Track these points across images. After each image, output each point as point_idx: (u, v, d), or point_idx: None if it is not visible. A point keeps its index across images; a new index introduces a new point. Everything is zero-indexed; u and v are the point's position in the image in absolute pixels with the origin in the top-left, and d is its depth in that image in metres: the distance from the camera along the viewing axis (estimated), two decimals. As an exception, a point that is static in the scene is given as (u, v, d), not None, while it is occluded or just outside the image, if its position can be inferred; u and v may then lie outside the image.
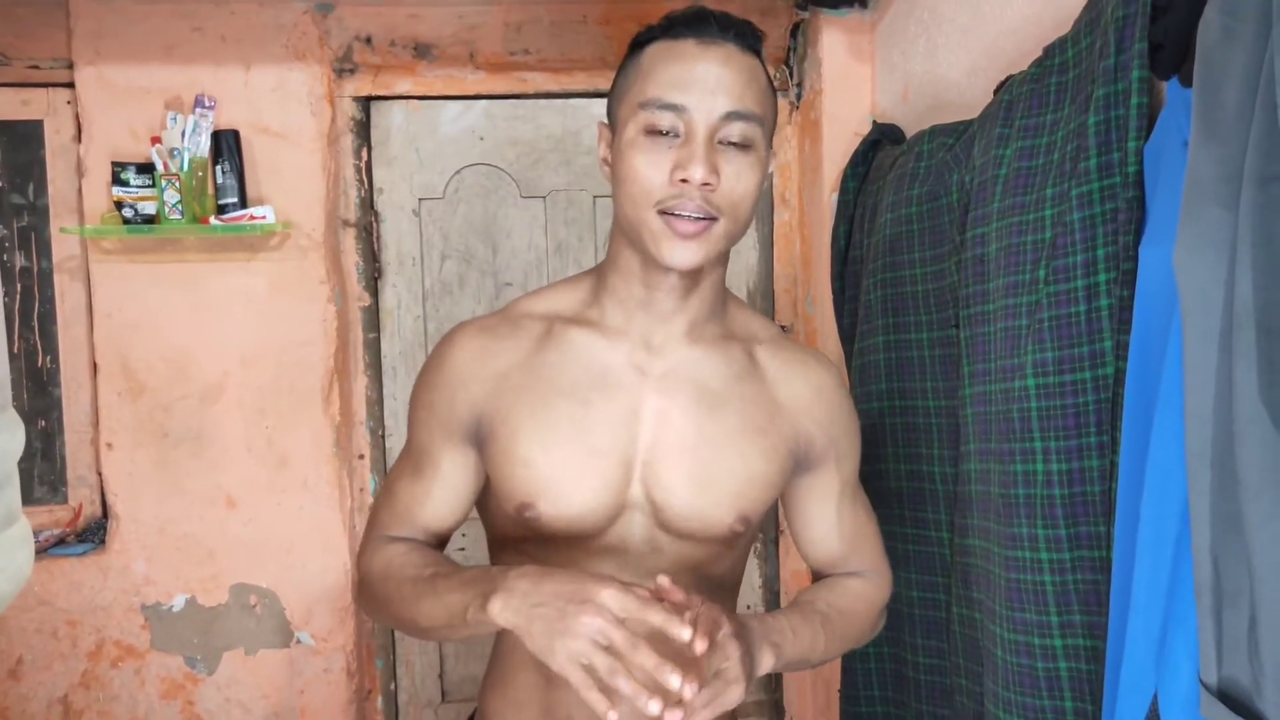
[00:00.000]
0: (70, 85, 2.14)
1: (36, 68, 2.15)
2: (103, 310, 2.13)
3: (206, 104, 2.08)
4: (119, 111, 2.10)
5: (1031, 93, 1.21)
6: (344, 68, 2.20)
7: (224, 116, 2.11)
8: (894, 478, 1.56)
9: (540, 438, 1.01)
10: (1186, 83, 0.91)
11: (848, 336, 1.82)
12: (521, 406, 1.02)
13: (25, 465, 2.02)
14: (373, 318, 2.30)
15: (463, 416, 1.04)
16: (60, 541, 2.14)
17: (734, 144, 0.95)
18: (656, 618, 0.83)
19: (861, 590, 1.13)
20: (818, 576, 1.17)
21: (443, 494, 1.07)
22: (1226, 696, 0.71)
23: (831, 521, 1.12)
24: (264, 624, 2.19)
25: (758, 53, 1.00)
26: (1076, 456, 1.07)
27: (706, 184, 0.93)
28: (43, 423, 2.20)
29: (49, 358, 2.20)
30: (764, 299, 2.39)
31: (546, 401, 1.02)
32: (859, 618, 1.11)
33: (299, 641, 2.20)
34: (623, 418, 1.02)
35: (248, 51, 2.12)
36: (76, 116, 2.13)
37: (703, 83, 0.94)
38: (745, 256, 2.38)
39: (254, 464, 2.16)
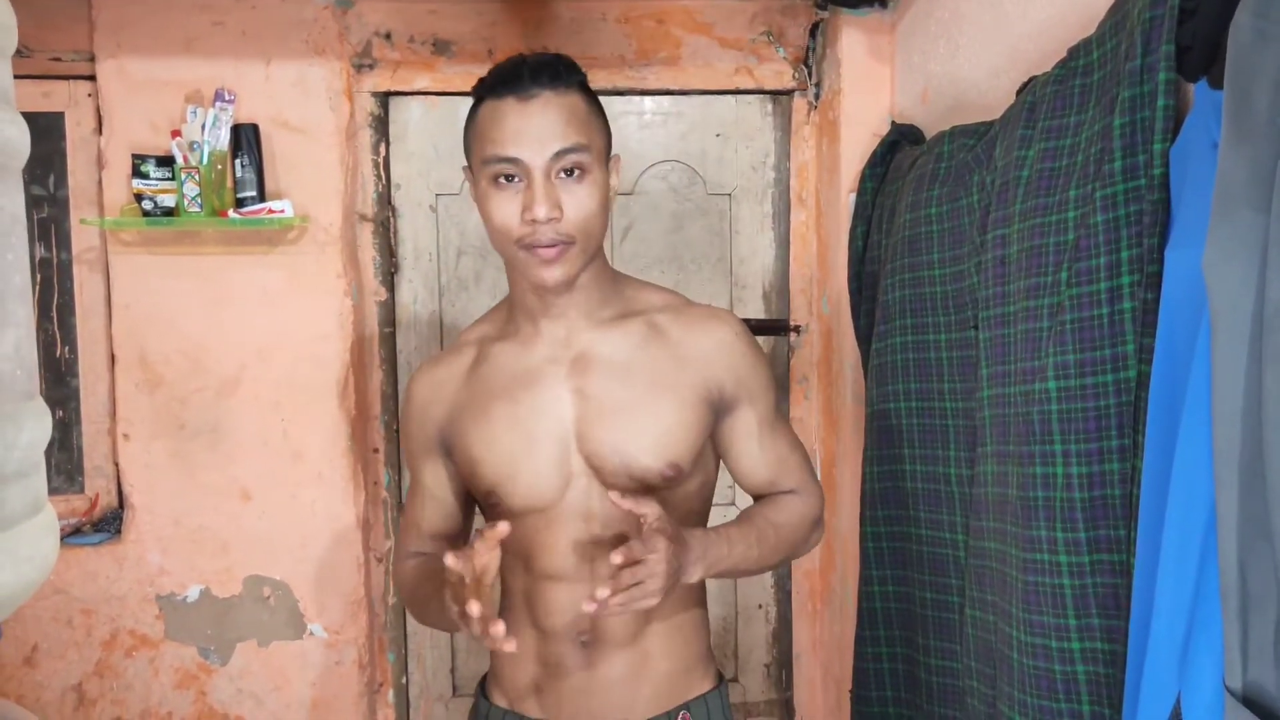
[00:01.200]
0: (91, 78, 2.15)
1: (58, 60, 2.16)
2: (121, 302, 2.14)
3: (226, 98, 2.09)
4: (140, 104, 2.11)
5: (1055, 94, 1.21)
6: (363, 63, 2.21)
7: (244, 110, 2.11)
8: (910, 478, 1.55)
9: (485, 437, 1.22)
10: (1216, 85, 0.91)
11: (864, 337, 1.82)
12: (468, 417, 1.24)
13: (43, 454, 2.03)
14: (389, 312, 2.31)
15: (432, 436, 1.28)
16: (76, 531, 2.16)
17: (570, 175, 1.13)
18: (458, 565, 1.05)
19: (793, 505, 1.29)
20: (756, 499, 1.33)
21: (434, 505, 1.31)
22: (1251, 702, 0.70)
23: (756, 453, 1.28)
24: (277, 616, 2.20)
25: (578, 84, 1.17)
26: (1097, 460, 1.07)
27: (552, 218, 1.11)
28: (60, 413, 2.22)
29: (67, 348, 2.22)
30: (780, 298, 2.38)
31: (485, 407, 1.23)
32: (792, 529, 1.28)
33: (311, 634, 2.21)
34: (549, 404, 1.21)
35: (268, 46, 2.13)
36: (97, 109, 2.14)
37: (529, 133, 1.12)
38: (762, 256, 2.38)
39: (269, 457, 2.17)
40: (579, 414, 1.20)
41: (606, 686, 1.23)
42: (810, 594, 2.38)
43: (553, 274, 1.14)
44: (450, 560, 1.04)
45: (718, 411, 1.25)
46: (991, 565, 1.28)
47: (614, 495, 1.08)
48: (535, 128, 1.12)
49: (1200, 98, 0.96)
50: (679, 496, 1.24)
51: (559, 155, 1.12)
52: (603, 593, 1.03)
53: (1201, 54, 0.95)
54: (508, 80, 1.14)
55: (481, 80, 1.18)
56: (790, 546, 1.29)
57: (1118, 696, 1.05)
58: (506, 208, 1.13)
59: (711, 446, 1.29)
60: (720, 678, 1.35)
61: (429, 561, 1.27)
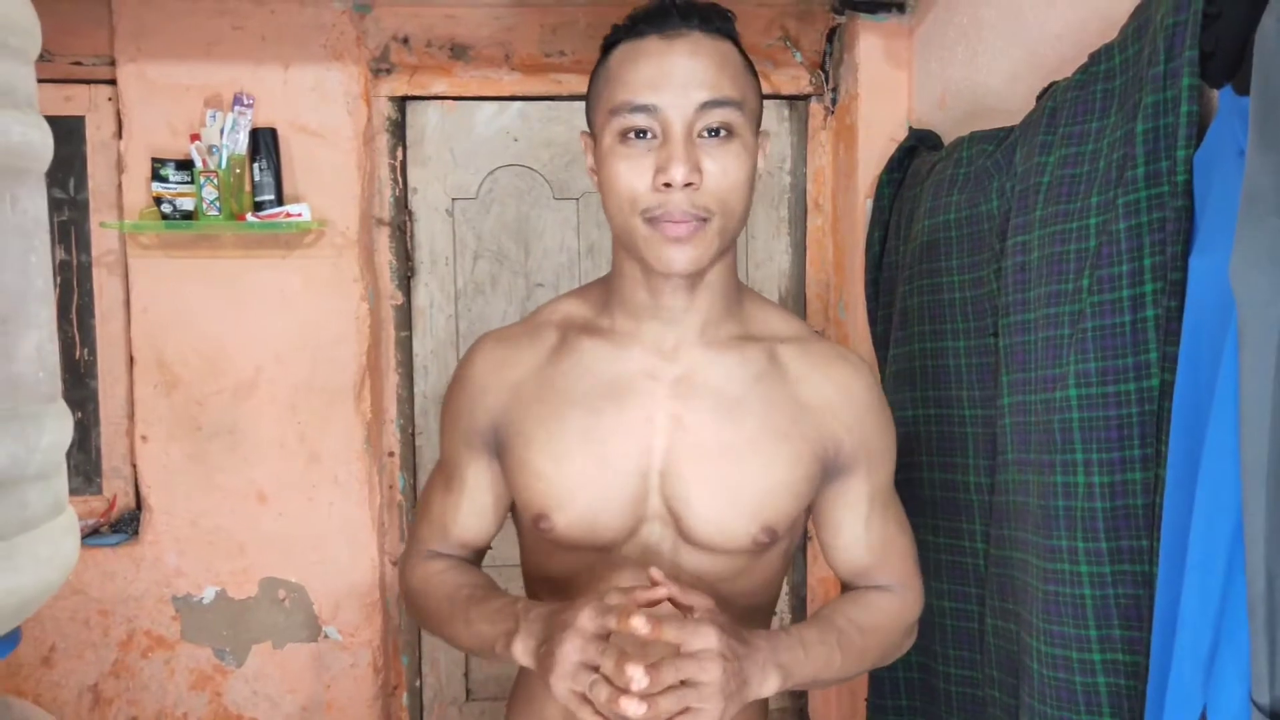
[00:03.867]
0: (112, 82, 2.17)
1: (79, 64, 2.18)
2: (140, 304, 2.16)
3: (245, 102, 2.10)
4: (159, 108, 2.12)
5: (1076, 100, 1.20)
6: (381, 68, 2.21)
7: (262, 114, 2.13)
8: (928, 486, 1.54)
9: (552, 449, 0.99)
10: (1241, 91, 0.90)
11: (881, 343, 1.81)
12: (533, 417, 1.01)
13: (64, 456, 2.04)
14: (405, 316, 2.32)
15: (482, 427, 1.05)
16: (94, 532, 2.17)
17: (716, 135, 0.92)
18: (613, 624, 0.83)
19: (887, 606, 1.06)
20: (845, 588, 1.12)
21: (470, 507, 1.08)
22: (1279, 716, 0.69)
23: (859, 530, 1.06)
24: (292, 618, 2.21)
25: (729, 35, 0.96)
26: (1119, 469, 1.06)
27: (689, 184, 0.90)
28: (79, 414, 2.23)
29: (86, 350, 2.23)
30: (796, 303, 2.38)
31: (558, 412, 1.00)
32: (882, 634, 1.05)
33: (326, 636, 2.22)
34: (636, 427, 0.99)
35: (286, 50, 2.14)
36: (117, 113, 2.16)
37: (672, 77, 0.91)
38: (778, 261, 2.38)
39: (285, 459, 2.18)
40: (671, 448, 0.99)
41: None
42: (825, 601, 2.36)
43: (682, 256, 0.92)
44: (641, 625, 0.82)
45: (828, 473, 1.03)
46: (1012, 574, 1.27)
47: (655, 573, 0.87)
48: (681, 71, 0.91)
49: (1225, 103, 0.95)
50: (759, 565, 1.04)
51: (706, 107, 0.91)
52: (637, 677, 0.80)
53: (1226, 59, 0.94)
54: (652, 18, 0.93)
55: (615, 27, 0.97)
56: (877, 654, 1.05)
57: (1139, 709, 1.03)
58: (634, 169, 0.92)
59: (805, 512, 1.07)
60: None
61: (464, 573, 1.07)
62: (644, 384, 1.00)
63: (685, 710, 0.82)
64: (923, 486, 1.56)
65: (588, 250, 2.32)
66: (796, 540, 1.10)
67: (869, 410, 1.05)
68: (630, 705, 0.79)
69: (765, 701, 1.08)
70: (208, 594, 2.19)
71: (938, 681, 1.53)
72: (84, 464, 2.24)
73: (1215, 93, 1.00)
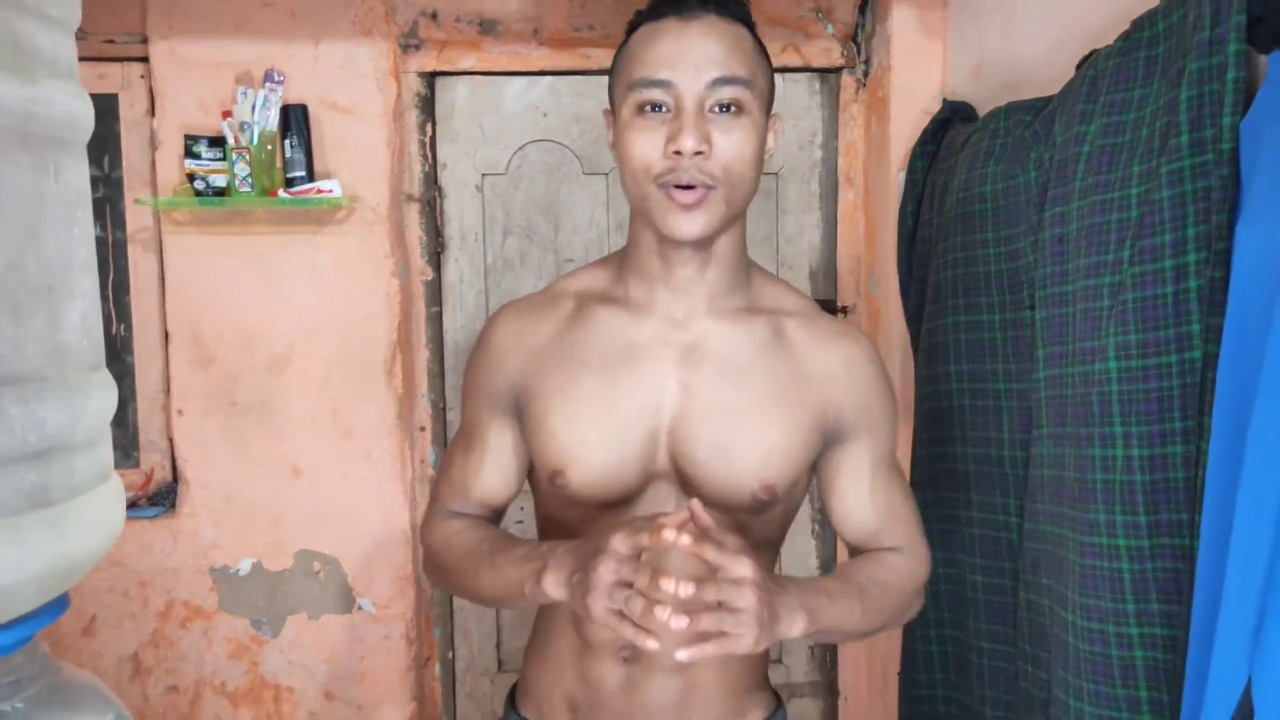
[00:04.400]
0: (144, 60, 2.18)
1: (112, 42, 2.19)
2: (174, 280, 2.18)
3: (276, 79, 2.11)
4: (191, 85, 2.13)
5: (1118, 67, 1.18)
6: (409, 44, 2.21)
7: (293, 91, 2.13)
8: (962, 460, 1.53)
9: (567, 409, 1.07)
10: (1292, 55, 0.87)
11: (914, 318, 1.79)
12: (551, 380, 1.08)
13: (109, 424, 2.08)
14: (435, 292, 2.32)
15: (503, 391, 1.12)
16: (133, 504, 2.21)
17: (726, 110, 0.99)
18: (644, 539, 0.88)
19: (900, 565, 1.11)
20: (854, 553, 1.17)
21: (493, 466, 1.14)
22: (1324, 688, 0.68)
23: (864, 496, 1.12)
24: (327, 590, 2.24)
25: (744, 20, 1.03)
26: (1159, 442, 1.04)
27: (699, 153, 0.97)
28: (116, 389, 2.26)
29: (123, 325, 2.26)
30: (827, 279, 2.36)
31: (574, 375, 1.07)
32: (896, 593, 1.09)
33: (360, 608, 2.25)
34: (648, 389, 1.06)
35: (316, 27, 2.14)
36: (150, 90, 2.17)
37: (686, 55, 0.98)
38: (808, 236, 2.36)
39: (319, 434, 2.20)
40: (679, 410, 1.06)
41: (649, 711, 1.09)
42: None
43: (690, 223, 0.99)
44: (669, 533, 0.87)
45: (828, 439, 1.10)
46: (1047, 549, 1.26)
47: (695, 504, 0.92)
48: (695, 50, 0.98)
49: (1274, 69, 0.93)
50: (759, 522, 1.10)
51: (716, 84, 0.98)
52: (677, 588, 0.85)
53: (1275, 24, 0.92)
54: (671, 1, 1.01)
55: (638, 11, 1.05)
56: (893, 611, 1.09)
57: (1177, 682, 1.03)
58: (648, 139, 0.99)
59: (805, 475, 1.13)
60: (778, 701, 1.21)
61: (485, 528, 1.12)
62: (656, 350, 1.07)
63: (723, 634, 0.87)
64: (957, 461, 1.55)
65: (617, 226, 2.32)
66: (796, 505, 1.16)
67: (871, 381, 1.11)
68: (665, 613, 0.84)
69: (765, 664, 1.18)
70: (244, 566, 2.22)
71: (970, 655, 1.52)
72: (121, 438, 2.27)
73: (1263, 59, 0.97)
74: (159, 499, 2.23)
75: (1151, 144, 1.08)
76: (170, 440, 2.24)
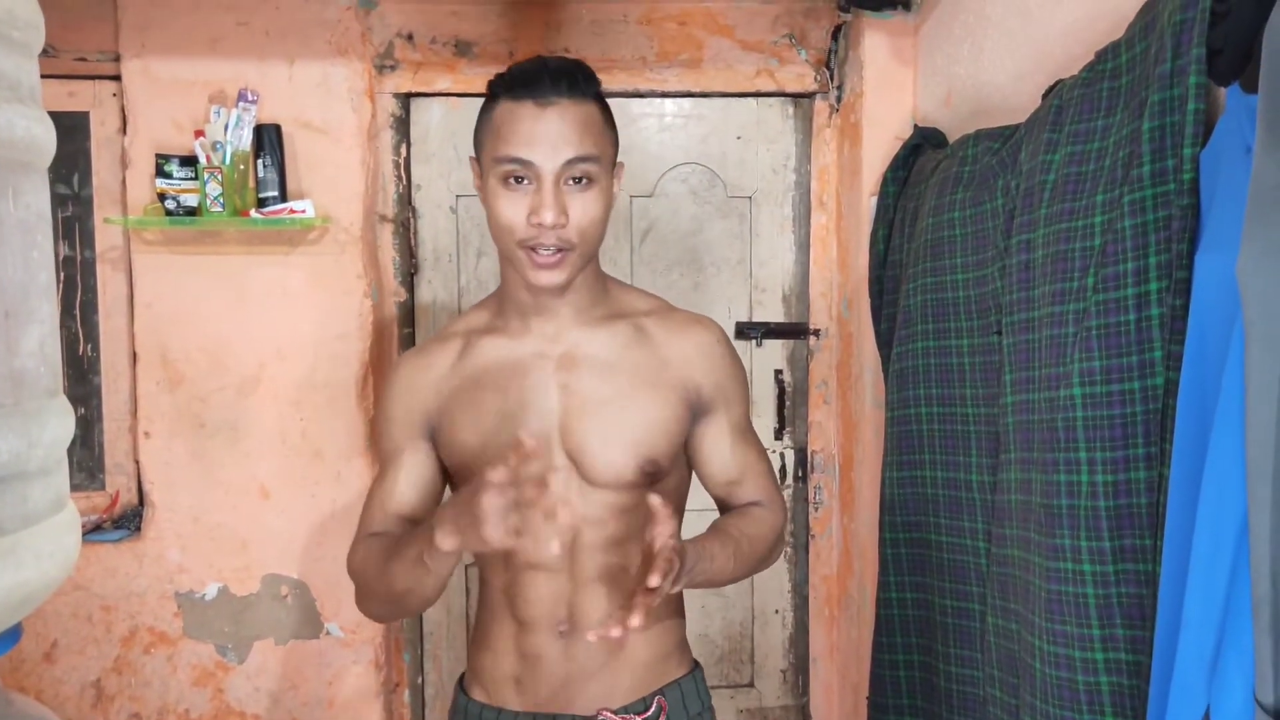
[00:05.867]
0: (116, 78, 2.16)
1: (83, 60, 2.18)
2: (143, 300, 2.16)
3: (249, 98, 2.10)
4: (163, 104, 2.12)
5: (1083, 97, 1.19)
6: (385, 64, 2.21)
7: (266, 111, 2.12)
8: (931, 484, 1.54)
9: (473, 423, 1.24)
10: (1249, 89, 0.89)
11: (885, 341, 1.81)
12: (457, 402, 1.26)
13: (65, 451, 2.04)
14: (408, 313, 2.31)
15: (417, 418, 1.29)
16: (97, 528, 2.17)
17: (579, 183, 1.17)
18: (532, 467, 0.99)
19: (764, 517, 1.29)
20: (721, 508, 1.34)
21: (406, 480, 1.28)
22: (1283, 716, 0.69)
23: (726, 456, 1.30)
24: (294, 614, 2.21)
25: (594, 94, 1.20)
26: (1123, 468, 1.05)
27: (558, 224, 1.15)
28: (82, 410, 2.23)
29: (90, 346, 2.23)
30: (799, 302, 2.37)
31: (474, 396, 1.26)
32: (762, 542, 1.27)
33: (328, 633, 2.22)
34: (536, 395, 1.24)
35: (291, 46, 2.14)
36: (122, 109, 2.16)
37: (544, 138, 1.15)
38: (781, 259, 2.37)
39: (288, 456, 2.18)
40: (564, 408, 1.24)
41: (585, 676, 1.25)
42: (827, 599, 2.36)
43: (550, 278, 1.18)
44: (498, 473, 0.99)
45: (695, 413, 1.28)
46: (1014, 573, 1.27)
47: (654, 499, 1.06)
48: (551, 134, 1.15)
49: (1233, 102, 0.94)
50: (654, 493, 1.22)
51: (570, 163, 1.16)
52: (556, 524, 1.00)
53: (1234, 58, 0.94)
54: (528, 83, 1.17)
55: (500, 76, 1.20)
56: (759, 560, 1.29)
57: (1141, 708, 1.03)
58: (513, 208, 1.17)
59: (683, 450, 1.31)
60: (695, 664, 1.36)
61: (391, 536, 1.24)
62: (537, 363, 1.25)
63: (656, 590, 1.02)
64: (925, 485, 1.56)
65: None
66: (686, 480, 1.34)
67: (721, 359, 1.30)
68: (556, 525, 0.98)
69: (683, 628, 1.35)
70: (210, 590, 2.19)
71: (939, 680, 1.52)
72: (87, 460, 2.24)
73: (1222, 91, 0.99)
74: (124, 522, 2.20)
75: (1115, 173, 1.10)
76: (137, 462, 2.21)
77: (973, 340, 1.46)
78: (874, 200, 1.97)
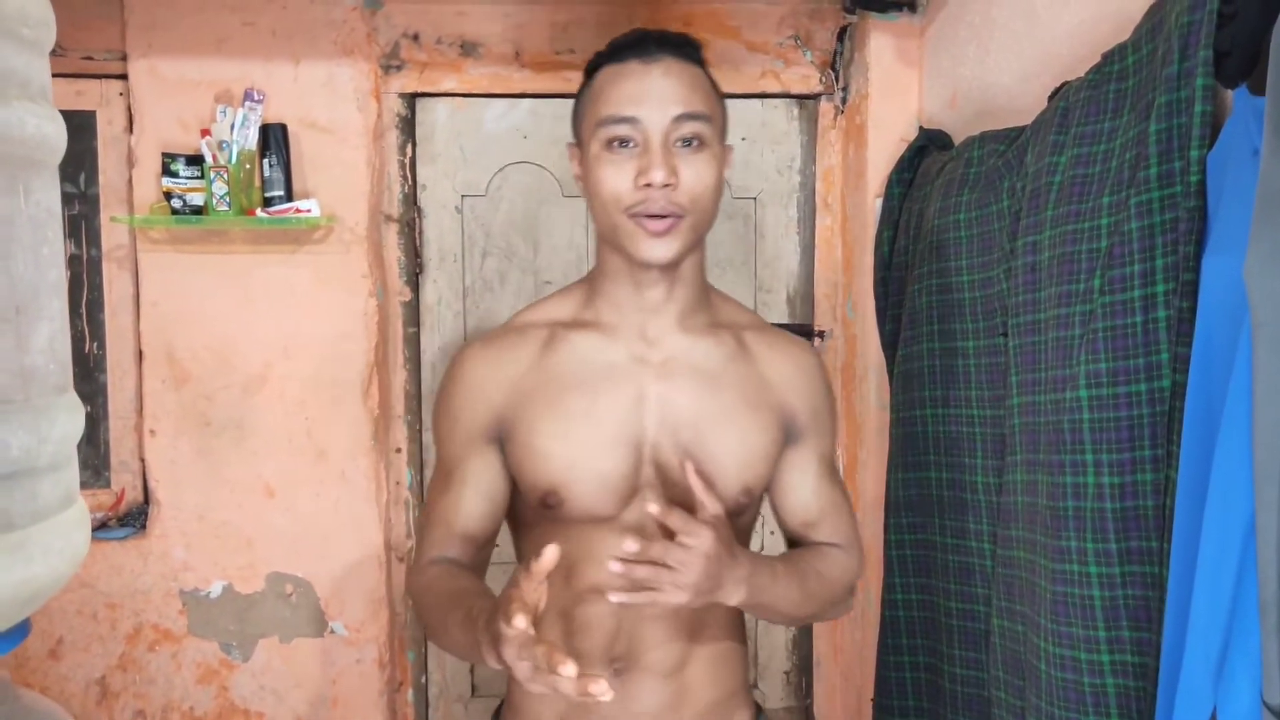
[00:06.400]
0: (123, 77, 2.17)
1: (90, 59, 2.18)
2: (149, 299, 2.16)
3: (255, 97, 2.11)
4: (170, 103, 2.13)
5: (1089, 99, 1.19)
6: (391, 64, 2.22)
7: (272, 110, 2.13)
8: (936, 486, 1.54)
9: (556, 431, 1.10)
10: (1256, 91, 0.89)
11: (890, 343, 1.81)
12: (535, 405, 1.12)
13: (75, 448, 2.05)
14: (413, 313, 2.32)
15: (485, 421, 1.14)
16: (102, 525, 2.17)
17: (689, 145, 1.06)
18: (521, 621, 0.83)
19: (840, 560, 1.19)
20: (791, 545, 1.23)
21: (474, 496, 1.14)
22: (1289, 718, 0.69)
23: (809, 490, 1.19)
24: (299, 613, 2.21)
25: (698, 62, 1.11)
26: (1129, 470, 1.05)
27: (668, 184, 1.04)
28: (88, 408, 2.22)
29: (95, 344, 2.24)
30: (804, 304, 2.37)
31: (558, 398, 1.11)
32: (832, 584, 1.16)
33: (333, 631, 2.22)
34: (629, 405, 1.11)
35: (297, 46, 2.14)
36: (128, 108, 2.16)
37: (651, 94, 1.05)
38: (786, 261, 2.37)
39: (293, 455, 2.18)
40: (661, 421, 1.11)
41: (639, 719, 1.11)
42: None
43: (661, 249, 1.06)
44: (514, 626, 0.84)
45: (788, 438, 1.18)
46: (1020, 575, 1.27)
47: (690, 466, 1.01)
48: (658, 89, 1.05)
49: (1240, 104, 0.94)
50: (734, 529, 1.10)
51: (680, 119, 1.05)
52: (630, 545, 0.92)
53: (1241, 59, 0.94)
54: (631, 45, 1.08)
55: (598, 53, 1.12)
56: (826, 602, 1.16)
57: (1148, 710, 1.03)
58: (619, 174, 1.05)
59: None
60: (759, 707, 1.26)
61: (456, 579, 1.09)
62: (634, 368, 1.12)
63: (654, 589, 0.95)
64: (931, 486, 1.56)
65: (596, 248, 2.32)
66: (757, 514, 1.21)
67: (819, 385, 1.21)
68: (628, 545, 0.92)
69: (742, 633, 1.22)
70: (215, 588, 2.19)
71: (944, 681, 1.52)
72: (92, 458, 2.24)
73: (1229, 93, 0.99)
74: (129, 520, 2.20)
75: (1121, 175, 1.10)
76: (142, 460, 2.21)
77: (978, 342, 1.46)
78: (879, 202, 1.97)
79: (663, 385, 1.12)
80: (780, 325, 2.34)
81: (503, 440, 1.13)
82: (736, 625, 1.21)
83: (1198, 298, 0.96)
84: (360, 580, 2.22)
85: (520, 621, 0.83)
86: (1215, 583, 0.81)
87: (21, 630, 0.74)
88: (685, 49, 1.09)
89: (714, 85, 1.12)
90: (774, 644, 2.43)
